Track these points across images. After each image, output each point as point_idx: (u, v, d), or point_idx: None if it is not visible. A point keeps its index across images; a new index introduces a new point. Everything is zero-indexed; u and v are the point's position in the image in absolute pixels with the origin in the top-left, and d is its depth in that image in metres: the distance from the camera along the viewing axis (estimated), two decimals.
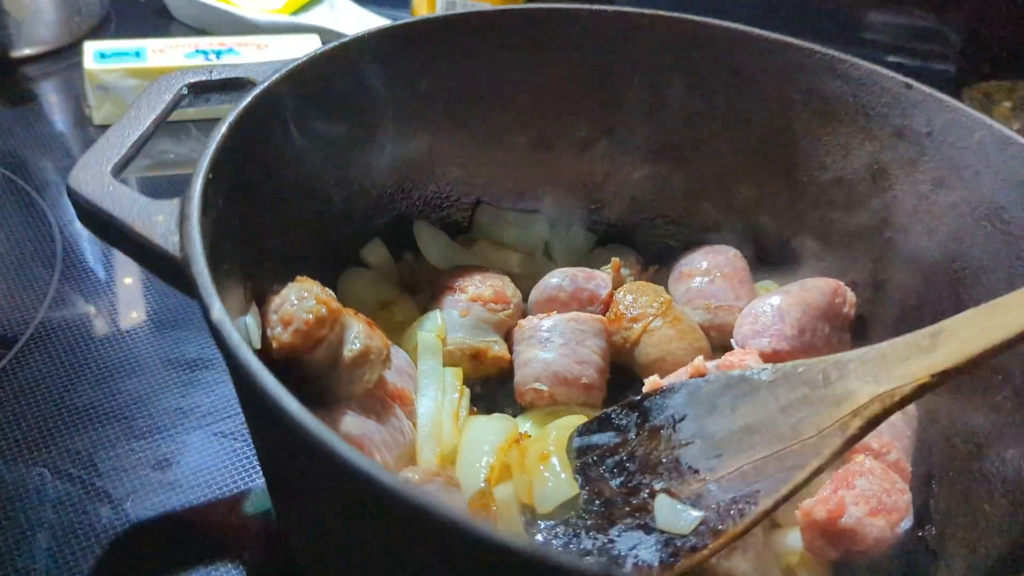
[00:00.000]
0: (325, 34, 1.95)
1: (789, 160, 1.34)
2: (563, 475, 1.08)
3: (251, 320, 0.99)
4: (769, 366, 1.07)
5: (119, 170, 0.89)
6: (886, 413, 0.94)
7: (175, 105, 1.00)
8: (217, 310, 0.71)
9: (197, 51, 1.76)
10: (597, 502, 1.04)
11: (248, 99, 0.97)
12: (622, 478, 1.06)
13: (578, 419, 1.16)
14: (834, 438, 0.96)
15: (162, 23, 2.16)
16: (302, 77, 1.05)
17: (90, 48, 1.75)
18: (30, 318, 1.35)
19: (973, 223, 1.17)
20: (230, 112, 0.94)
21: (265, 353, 1.00)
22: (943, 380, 0.91)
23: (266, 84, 1.00)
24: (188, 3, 2.08)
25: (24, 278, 1.43)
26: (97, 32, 2.08)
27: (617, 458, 1.09)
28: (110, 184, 0.85)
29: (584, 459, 1.09)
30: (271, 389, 0.65)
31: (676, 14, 1.30)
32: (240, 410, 1.23)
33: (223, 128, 0.92)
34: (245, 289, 0.99)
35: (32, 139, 1.76)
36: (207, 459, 1.17)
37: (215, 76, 1.04)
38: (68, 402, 1.22)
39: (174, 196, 0.85)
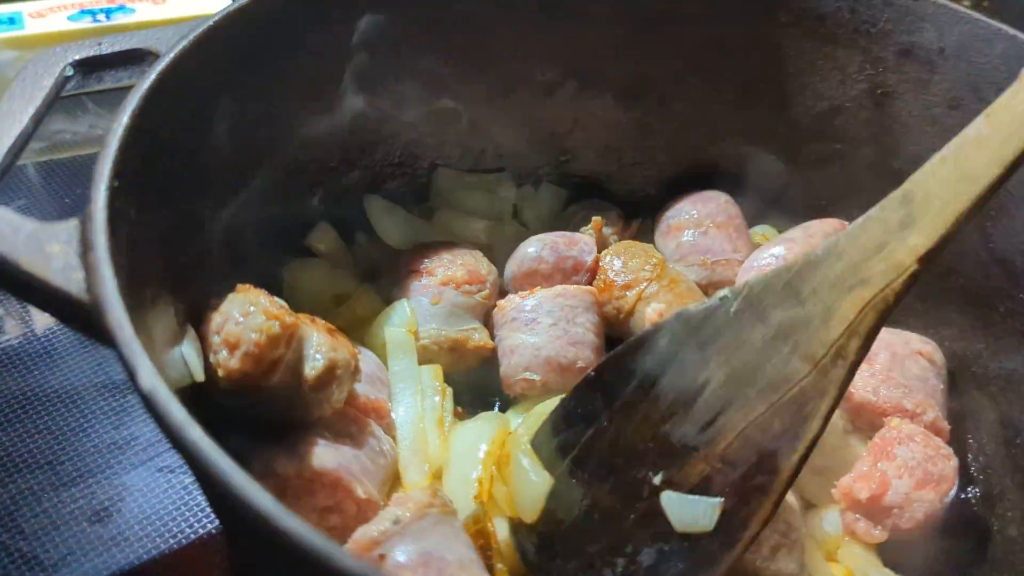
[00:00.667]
0: None
1: (780, 91, 1.20)
2: (531, 472, 0.92)
3: (188, 349, 0.81)
4: (727, 290, 0.89)
5: None
6: (882, 319, 0.80)
7: (59, 91, 0.80)
8: (147, 376, 0.54)
9: (83, 12, 1.52)
10: (596, 516, 0.89)
11: (152, 77, 0.77)
12: (613, 477, 0.91)
13: (552, 403, 1.01)
14: (835, 370, 0.81)
15: None
16: (218, 40, 0.85)
17: None
18: None
19: None
20: (130, 97, 0.75)
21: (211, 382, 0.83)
22: (933, 260, 0.77)
23: (173, 55, 0.81)
24: None
25: None
26: None
27: (599, 455, 0.92)
28: None
29: (564, 464, 0.93)
30: (235, 483, 0.49)
31: None
32: None
33: (124, 118, 0.73)
34: (176, 311, 0.81)
35: None
36: (153, 503, 1.00)
37: (107, 49, 0.84)
38: None
39: (77, 185, 0.67)
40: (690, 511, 0.86)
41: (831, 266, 0.82)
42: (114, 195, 0.67)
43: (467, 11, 1.12)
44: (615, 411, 0.93)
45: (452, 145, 1.23)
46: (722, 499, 0.85)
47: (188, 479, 1.02)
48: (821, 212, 1.21)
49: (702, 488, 0.86)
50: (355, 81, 1.08)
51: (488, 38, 1.15)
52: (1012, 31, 1.01)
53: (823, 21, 1.14)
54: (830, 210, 1.21)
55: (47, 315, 1.24)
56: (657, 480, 0.88)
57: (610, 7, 1.16)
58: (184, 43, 0.82)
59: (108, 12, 1.53)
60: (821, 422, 0.82)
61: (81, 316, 0.61)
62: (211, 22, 0.85)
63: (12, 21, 1.49)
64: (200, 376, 0.81)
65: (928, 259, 0.78)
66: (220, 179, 0.89)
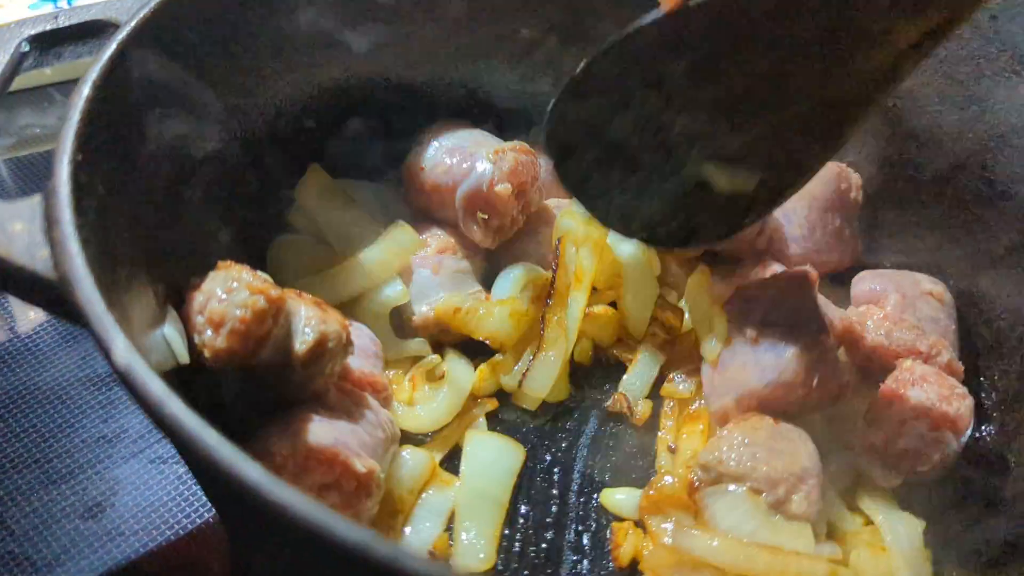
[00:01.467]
0: None
1: None
2: None
3: (171, 330, 0.78)
4: None
5: None
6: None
7: (15, 68, 0.76)
8: (121, 351, 0.50)
9: (44, 0, 1.47)
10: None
11: (113, 47, 0.74)
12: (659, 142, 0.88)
13: None
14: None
15: None
16: (180, 6, 0.81)
17: None
18: None
19: (993, 76, 1.02)
20: (91, 68, 0.71)
21: (197, 364, 0.80)
22: None
23: (133, 24, 0.77)
24: None
25: None
26: None
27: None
28: None
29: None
30: (222, 457, 0.46)
31: None
32: None
33: (85, 89, 0.69)
34: (155, 292, 0.77)
35: None
36: (147, 494, 0.97)
37: (63, 23, 0.79)
38: None
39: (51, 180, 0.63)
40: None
41: None
42: (78, 168, 0.64)
43: None
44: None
45: (438, 107, 1.19)
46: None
47: (182, 468, 0.99)
48: None
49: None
50: (333, 51, 1.04)
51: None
52: None
53: None
54: None
55: (32, 315, 1.22)
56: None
57: None
58: (145, 11, 0.78)
59: None
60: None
61: (49, 295, 0.58)
62: None
63: None
64: (185, 358, 0.78)
65: None
66: (191, 151, 0.85)
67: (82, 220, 0.60)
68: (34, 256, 0.58)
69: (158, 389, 0.48)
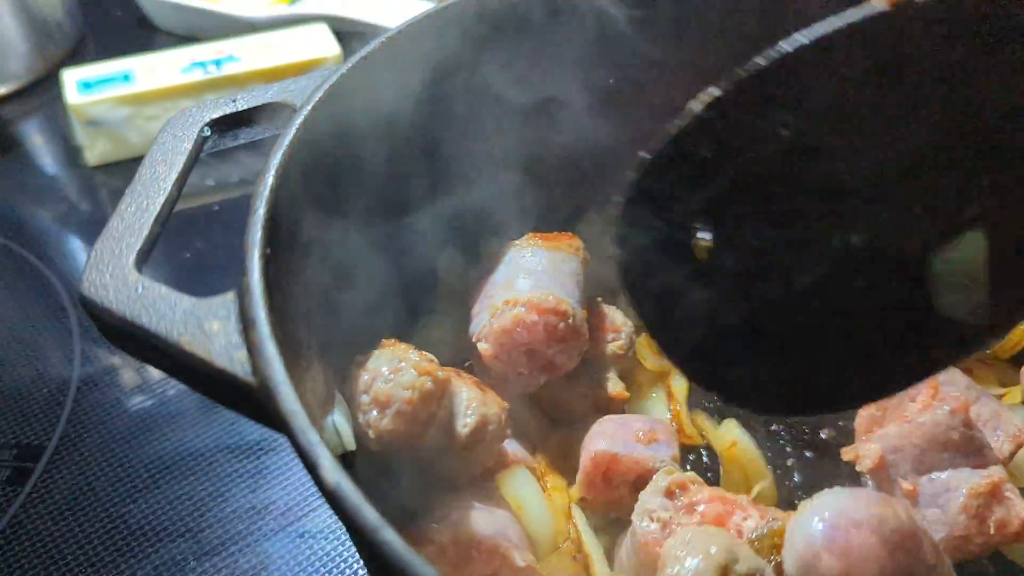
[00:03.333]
0: (335, 23, 1.69)
1: None
2: None
3: (340, 417, 0.77)
4: None
5: (144, 259, 0.66)
6: None
7: (198, 153, 0.77)
8: (330, 470, 0.49)
9: (193, 64, 1.51)
10: None
11: (292, 133, 0.74)
12: None
13: None
14: None
15: (145, 35, 1.90)
16: (357, 85, 0.81)
17: (70, 78, 1.50)
18: (54, 418, 1.13)
19: None
20: (272, 156, 0.71)
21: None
22: None
23: (311, 107, 0.77)
24: (173, 8, 1.82)
25: (38, 367, 1.20)
26: (74, 56, 1.82)
27: None
28: (137, 284, 0.62)
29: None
30: None
31: None
32: (323, 502, 1.01)
33: (269, 179, 0.69)
34: (325, 378, 0.76)
35: (21, 192, 1.52)
36: (297, 570, 0.96)
37: (243, 106, 0.80)
38: (117, 518, 1.01)
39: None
40: None
41: None
42: (267, 265, 0.63)
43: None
44: None
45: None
46: None
47: (330, 545, 0.98)
48: None
49: None
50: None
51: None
52: None
53: None
54: None
55: (173, 394, 1.21)
56: None
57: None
58: (320, 93, 0.78)
59: (218, 63, 1.52)
60: None
61: (247, 399, 0.57)
62: (349, 66, 0.81)
63: (126, 78, 1.49)
64: (352, 445, 0.77)
65: None
66: (362, 233, 0.84)
67: (274, 317, 0.59)
68: (232, 358, 0.57)
69: (371, 516, 0.46)
